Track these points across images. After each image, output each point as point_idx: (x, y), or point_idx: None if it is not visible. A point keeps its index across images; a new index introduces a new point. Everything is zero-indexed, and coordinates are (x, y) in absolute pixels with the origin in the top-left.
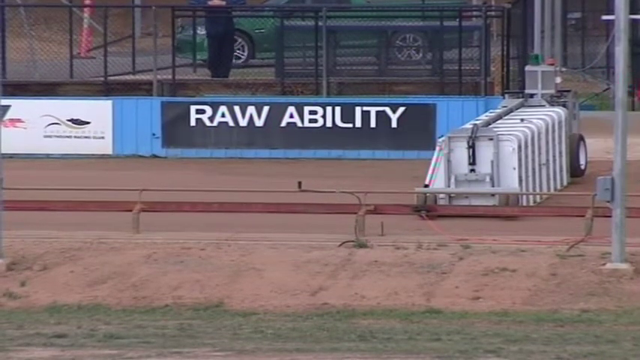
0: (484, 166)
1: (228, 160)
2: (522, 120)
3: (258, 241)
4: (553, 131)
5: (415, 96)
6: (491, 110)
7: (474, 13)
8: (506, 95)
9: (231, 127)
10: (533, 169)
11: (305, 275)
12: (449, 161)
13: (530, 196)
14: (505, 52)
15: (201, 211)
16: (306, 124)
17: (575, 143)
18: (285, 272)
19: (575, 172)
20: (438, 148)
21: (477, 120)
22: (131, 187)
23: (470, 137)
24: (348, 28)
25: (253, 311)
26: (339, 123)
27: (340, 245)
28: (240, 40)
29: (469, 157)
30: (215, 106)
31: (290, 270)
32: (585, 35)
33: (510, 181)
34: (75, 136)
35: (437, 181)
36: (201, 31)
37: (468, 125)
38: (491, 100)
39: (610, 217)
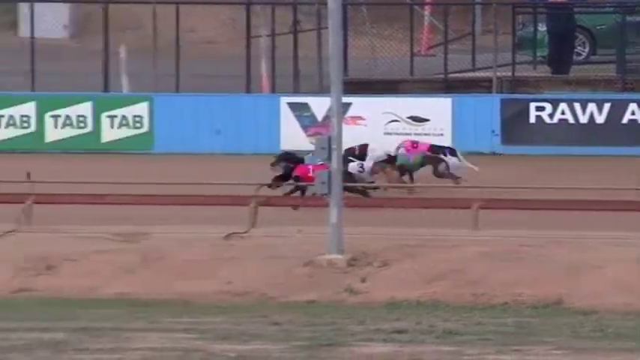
0: None
1: (561, 157)
2: None
3: (602, 239)
4: None
5: None
6: None
7: None
8: None
9: (571, 124)
10: None
11: None
12: None
13: None
14: None
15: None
16: None
17: None
18: (627, 269)
19: None
20: None
21: None
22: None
23: None
24: None
25: (593, 309)
26: None
27: None
28: (580, 36)
29: None
30: (555, 104)
31: (633, 267)
32: None
33: None
34: (415, 133)
35: None
36: (542, 27)
37: None
38: None
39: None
